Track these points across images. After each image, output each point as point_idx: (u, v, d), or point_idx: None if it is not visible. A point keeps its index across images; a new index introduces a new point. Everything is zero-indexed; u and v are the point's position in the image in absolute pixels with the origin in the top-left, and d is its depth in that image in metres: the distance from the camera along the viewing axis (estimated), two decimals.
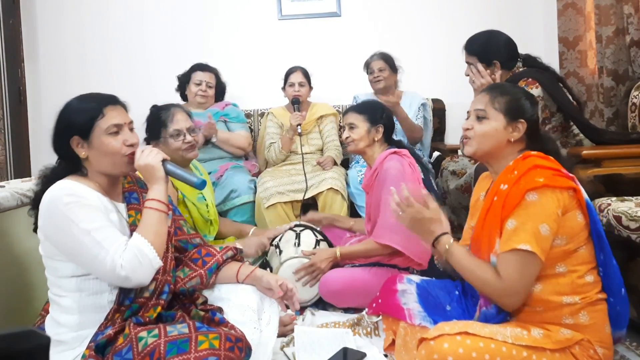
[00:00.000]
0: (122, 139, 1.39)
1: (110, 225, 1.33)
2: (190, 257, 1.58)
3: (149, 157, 1.40)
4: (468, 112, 1.54)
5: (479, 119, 1.47)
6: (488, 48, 2.22)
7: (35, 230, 1.39)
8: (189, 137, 2.14)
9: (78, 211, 1.29)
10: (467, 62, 2.25)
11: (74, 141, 1.37)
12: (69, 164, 1.41)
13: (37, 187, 1.42)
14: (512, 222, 1.30)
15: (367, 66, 3.06)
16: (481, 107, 1.47)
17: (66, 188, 1.32)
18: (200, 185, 1.42)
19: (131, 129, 1.44)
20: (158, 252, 1.34)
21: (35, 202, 1.39)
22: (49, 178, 1.40)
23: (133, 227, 1.41)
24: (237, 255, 1.65)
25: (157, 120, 2.14)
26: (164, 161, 1.43)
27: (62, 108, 1.42)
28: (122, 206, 1.46)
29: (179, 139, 2.12)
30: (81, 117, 1.37)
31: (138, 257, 1.29)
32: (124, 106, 1.45)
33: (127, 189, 1.50)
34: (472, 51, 2.23)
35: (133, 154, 1.41)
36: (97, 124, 1.36)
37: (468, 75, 2.25)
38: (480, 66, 2.11)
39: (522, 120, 1.43)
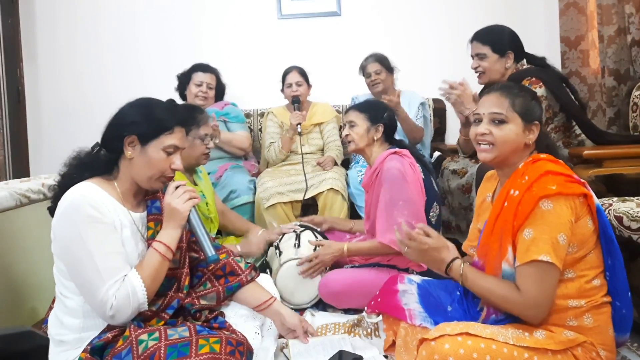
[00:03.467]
0: (171, 161, 1.37)
1: (118, 252, 1.30)
2: (213, 272, 1.54)
3: (180, 200, 1.36)
4: (477, 114, 1.47)
5: (497, 122, 1.40)
6: (502, 38, 2.21)
7: (49, 209, 1.36)
8: (211, 144, 2.15)
9: (92, 228, 1.26)
10: (478, 54, 2.22)
11: (129, 139, 1.34)
12: (106, 158, 1.38)
13: (66, 168, 1.38)
14: (529, 232, 1.27)
15: (363, 69, 3.04)
16: (499, 110, 1.40)
17: (89, 197, 1.28)
18: (211, 261, 1.40)
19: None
20: (149, 296, 1.31)
21: (61, 184, 1.35)
22: (82, 163, 1.37)
23: (150, 240, 1.38)
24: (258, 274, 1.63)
25: (191, 118, 2.09)
26: (191, 210, 1.39)
27: (135, 102, 1.40)
28: (141, 216, 1.42)
29: (203, 143, 2.11)
30: (152, 123, 1.35)
31: (130, 299, 1.26)
32: (186, 132, 1.44)
33: (150, 197, 1.46)
34: (485, 41, 2.21)
35: (169, 179, 1.40)
36: (162, 137, 1.35)
37: (476, 67, 2.24)
38: (451, 80, 2.11)
39: (537, 123, 1.41)
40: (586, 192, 1.29)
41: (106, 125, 1.38)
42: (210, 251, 1.36)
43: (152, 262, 1.32)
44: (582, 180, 1.32)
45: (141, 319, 1.33)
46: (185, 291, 1.45)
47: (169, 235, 1.36)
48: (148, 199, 1.46)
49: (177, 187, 1.38)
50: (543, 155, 1.37)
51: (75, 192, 1.29)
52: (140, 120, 1.35)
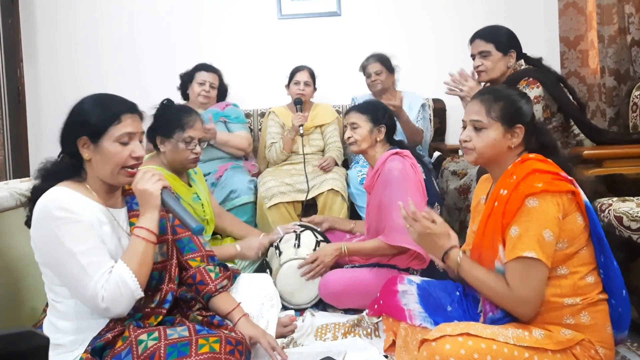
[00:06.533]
0: (130, 150, 1.33)
1: (99, 246, 1.27)
2: (185, 280, 1.53)
3: (149, 182, 1.32)
4: (463, 120, 1.51)
5: (477, 129, 1.44)
6: (505, 36, 2.22)
7: (26, 224, 1.35)
8: (198, 149, 2.06)
9: (66, 229, 1.23)
10: (481, 52, 2.22)
11: (81, 141, 1.31)
12: (70, 163, 1.36)
13: (36, 180, 1.36)
14: (515, 229, 1.29)
15: (364, 69, 3.03)
16: (477, 117, 1.44)
17: (58, 200, 1.26)
18: (198, 231, 1.32)
19: (140, 140, 1.37)
20: (141, 282, 1.28)
21: (32, 197, 1.34)
22: (49, 173, 1.35)
23: None
24: (230, 284, 1.59)
25: (176, 120, 2.03)
26: (163, 190, 1.34)
27: (78, 103, 1.36)
28: (121, 212, 1.41)
29: (189, 147, 2.02)
30: (96, 119, 1.30)
31: (120, 288, 1.24)
32: (140, 115, 1.39)
33: (129, 192, 1.45)
34: (488, 39, 2.21)
35: (134, 167, 1.35)
36: (110, 130, 1.30)
37: (478, 67, 2.24)
38: (463, 71, 2.10)
39: (520, 126, 1.42)
40: (574, 190, 1.30)
41: (59, 134, 1.36)
42: (193, 222, 1.32)
43: (135, 247, 1.30)
44: (570, 178, 1.32)
45: (139, 316, 1.33)
46: (176, 282, 1.45)
47: (148, 218, 1.33)
48: (126, 195, 1.45)
49: (144, 173, 1.35)
50: (532, 155, 1.38)
51: (45, 198, 1.27)
52: (85, 120, 1.30)
